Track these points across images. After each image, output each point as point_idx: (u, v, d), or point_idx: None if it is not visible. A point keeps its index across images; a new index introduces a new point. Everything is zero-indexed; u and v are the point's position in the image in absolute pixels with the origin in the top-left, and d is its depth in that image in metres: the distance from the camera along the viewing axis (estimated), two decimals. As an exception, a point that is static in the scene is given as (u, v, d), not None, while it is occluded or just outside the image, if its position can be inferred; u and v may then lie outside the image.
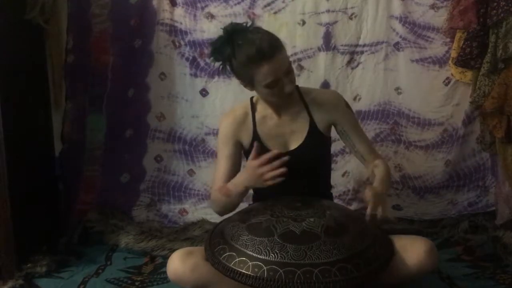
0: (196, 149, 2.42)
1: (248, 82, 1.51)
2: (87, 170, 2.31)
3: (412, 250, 1.39)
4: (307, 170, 1.57)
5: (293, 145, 1.62)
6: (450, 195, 2.35)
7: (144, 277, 1.86)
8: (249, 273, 1.24)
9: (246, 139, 1.63)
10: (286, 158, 1.43)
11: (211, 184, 1.66)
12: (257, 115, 1.63)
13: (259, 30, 1.51)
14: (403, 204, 2.36)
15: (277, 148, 1.56)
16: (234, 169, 1.62)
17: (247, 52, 1.43)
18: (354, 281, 1.23)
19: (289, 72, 1.49)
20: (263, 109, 1.64)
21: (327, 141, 1.70)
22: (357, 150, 1.68)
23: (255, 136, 1.61)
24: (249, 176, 1.48)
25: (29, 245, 1.93)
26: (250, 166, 1.47)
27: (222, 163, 1.62)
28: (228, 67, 1.52)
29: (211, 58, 1.55)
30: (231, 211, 1.57)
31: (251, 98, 1.68)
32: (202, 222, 2.31)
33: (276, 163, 1.42)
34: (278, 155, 1.45)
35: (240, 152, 1.66)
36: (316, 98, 1.64)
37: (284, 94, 1.50)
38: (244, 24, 1.52)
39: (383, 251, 1.37)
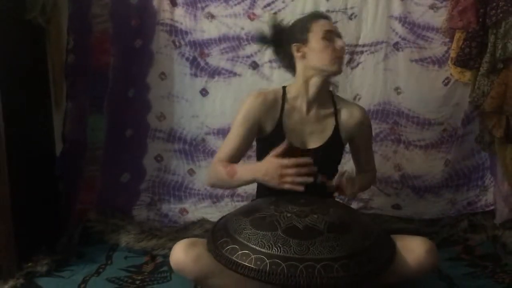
0: (196, 148, 2.42)
1: (304, 38, 1.60)
2: (87, 170, 2.31)
3: (413, 250, 1.42)
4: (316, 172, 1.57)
5: (312, 145, 1.63)
6: (450, 195, 2.36)
7: (145, 276, 1.86)
8: (252, 266, 1.24)
9: (269, 126, 1.62)
10: (311, 161, 1.42)
11: (217, 154, 1.65)
12: (287, 105, 1.63)
13: None
14: (402, 204, 2.37)
15: (295, 144, 1.58)
16: (243, 149, 1.61)
17: (308, 14, 1.69)
18: (356, 278, 1.24)
19: (339, 37, 1.63)
20: (293, 100, 1.64)
21: (343, 150, 1.74)
22: (359, 162, 1.81)
23: (279, 126, 1.61)
24: (267, 171, 1.43)
25: (30, 245, 1.92)
26: (274, 162, 1.42)
27: (234, 139, 1.60)
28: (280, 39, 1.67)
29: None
30: (223, 189, 1.56)
31: (284, 87, 1.68)
32: (202, 221, 2.32)
33: (304, 170, 1.39)
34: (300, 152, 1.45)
35: (255, 136, 1.64)
36: (347, 110, 1.69)
37: (336, 53, 1.59)
38: None
39: (385, 250, 1.38)
